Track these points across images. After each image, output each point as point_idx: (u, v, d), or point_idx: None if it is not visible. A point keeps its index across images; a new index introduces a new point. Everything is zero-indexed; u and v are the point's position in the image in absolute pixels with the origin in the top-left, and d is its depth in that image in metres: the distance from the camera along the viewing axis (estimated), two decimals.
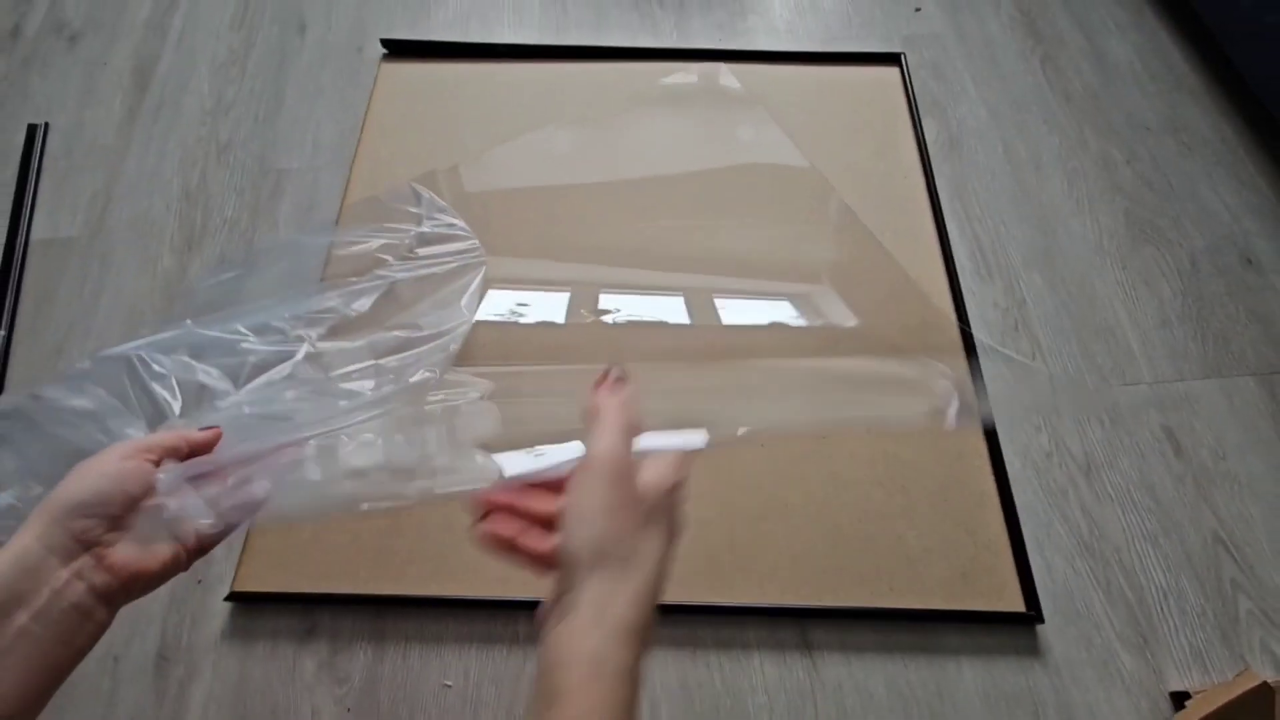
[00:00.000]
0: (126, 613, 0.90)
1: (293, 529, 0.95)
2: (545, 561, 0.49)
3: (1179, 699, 0.88)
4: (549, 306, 1.15)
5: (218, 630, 0.91)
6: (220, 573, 0.93)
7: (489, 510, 0.54)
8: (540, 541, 0.50)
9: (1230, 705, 0.83)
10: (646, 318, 1.13)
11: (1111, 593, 0.94)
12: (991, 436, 1.02)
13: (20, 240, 1.16)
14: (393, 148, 1.26)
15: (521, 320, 1.14)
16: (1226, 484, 1.01)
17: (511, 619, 0.91)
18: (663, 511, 0.48)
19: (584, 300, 1.15)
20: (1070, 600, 0.94)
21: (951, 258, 1.16)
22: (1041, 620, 0.91)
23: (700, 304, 1.13)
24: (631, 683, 0.42)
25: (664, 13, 1.47)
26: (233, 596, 0.91)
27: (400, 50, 1.39)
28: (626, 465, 0.47)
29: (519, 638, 0.90)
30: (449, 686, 0.88)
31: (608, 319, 1.13)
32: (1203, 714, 0.83)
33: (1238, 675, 0.89)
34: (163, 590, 0.91)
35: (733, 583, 0.92)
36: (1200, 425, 1.05)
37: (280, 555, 0.93)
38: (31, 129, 1.27)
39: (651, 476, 0.48)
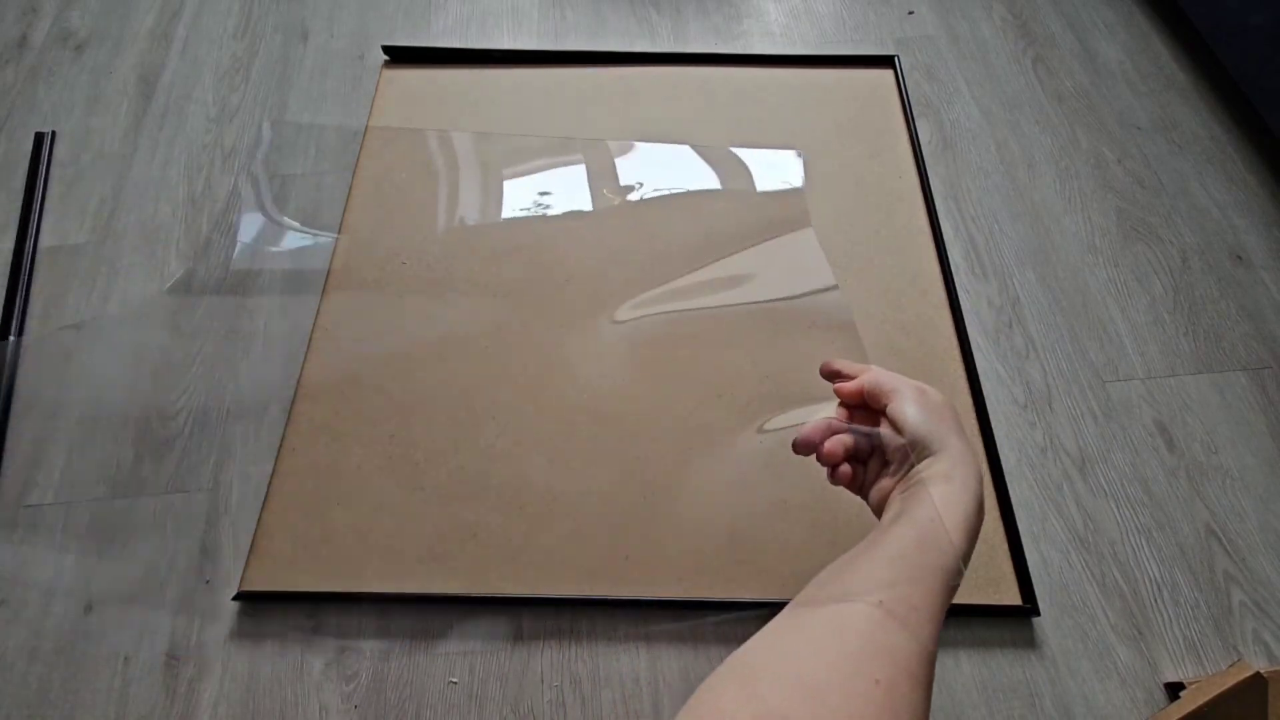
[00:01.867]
0: (136, 613, 0.92)
1: (299, 528, 0.96)
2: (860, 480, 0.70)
3: (1173, 689, 0.89)
4: (572, 191, 1.17)
5: (226, 629, 0.92)
6: (228, 573, 0.94)
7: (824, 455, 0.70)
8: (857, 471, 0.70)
9: (1224, 695, 0.83)
10: (670, 187, 1.17)
11: (1106, 586, 0.95)
12: (987, 433, 1.04)
13: (29, 247, 1.17)
14: (395, 153, 1.27)
15: (549, 212, 1.16)
16: (1219, 477, 1.02)
17: (515, 616, 0.93)
18: (956, 416, 0.67)
19: (602, 177, 1.19)
20: (1066, 593, 0.95)
21: (946, 257, 1.18)
22: (1038, 613, 0.92)
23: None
24: (967, 531, 0.57)
25: (661, 17, 1.49)
26: (241, 596, 0.92)
27: (401, 57, 1.40)
28: (922, 389, 0.67)
29: (522, 634, 0.91)
30: (454, 683, 0.89)
31: (633, 196, 1.15)
32: (1196, 704, 0.84)
33: (1231, 666, 0.90)
34: (171, 590, 0.94)
35: (734, 579, 0.93)
36: (1192, 420, 1.07)
37: (287, 555, 0.94)
38: (39, 137, 1.29)
39: (936, 394, 0.68)
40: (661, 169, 1.25)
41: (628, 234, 1.19)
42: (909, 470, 0.63)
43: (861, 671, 0.45)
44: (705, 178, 1.25)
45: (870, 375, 0.70)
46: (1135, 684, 0.90)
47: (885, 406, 0.67)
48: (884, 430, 0.66)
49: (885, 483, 0.66)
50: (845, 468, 0.69)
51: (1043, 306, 1.16)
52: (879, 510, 0.66)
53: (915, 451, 0.63)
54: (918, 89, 1.39)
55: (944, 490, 0.59)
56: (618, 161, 1.26)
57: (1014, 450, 1.04)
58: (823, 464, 0.70)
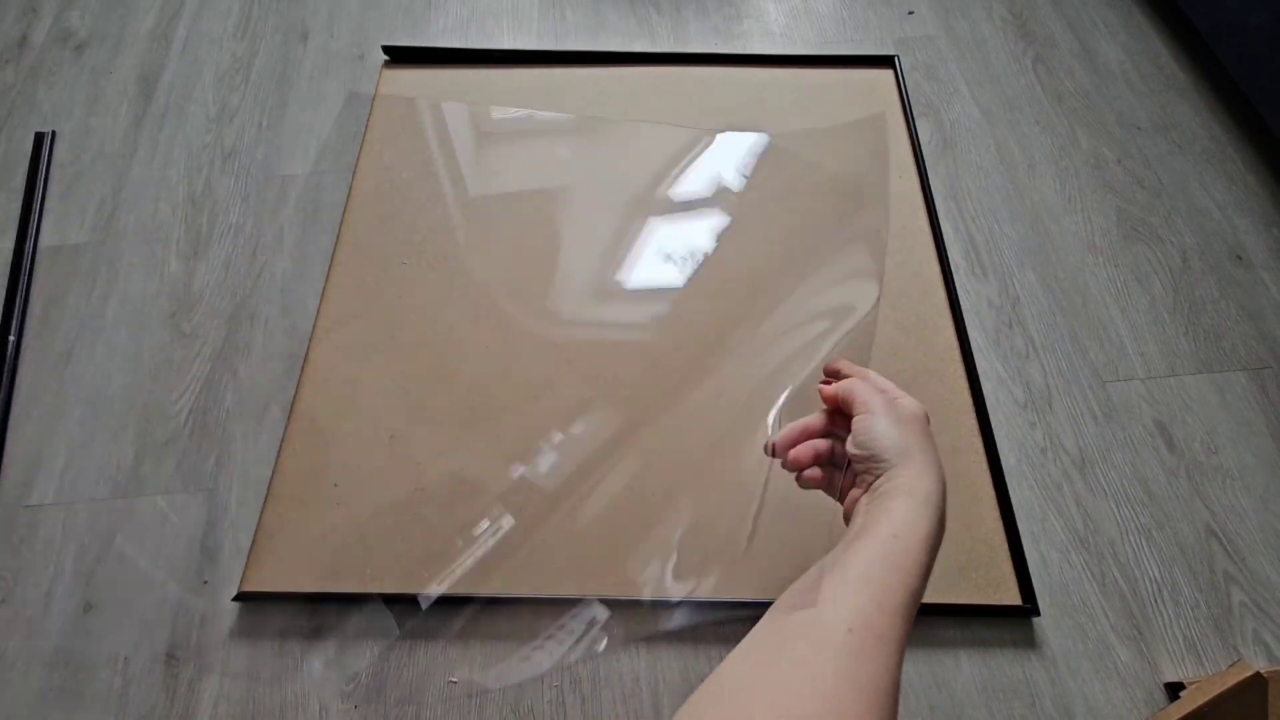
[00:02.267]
0: (136, 613, 0.92)
1: (300, 528, 0.96)
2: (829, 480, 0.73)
3: (1173, 690, 0.89)
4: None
5: (226, 630, 0.92)
6: (228, 573, 0.94)
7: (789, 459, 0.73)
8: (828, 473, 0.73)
9: (1224, 695, 0.83)
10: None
11: (1106, 586, 0.96)
12: (987, 433, 1.04)
13: (29, 246, 1.17)
14: (395, 153, 1.27)
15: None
16: (1219, 477, 1.02)
17: (515, 615, 0.92)
18: (925, 429, 0.66)
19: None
20: (1066, 593, 0.95)
21: (946, 257, 1.18)
22: (1038, 613, 0.92)
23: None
24: (929, 546, 0.57)
25: (661, 17, 1.49)
26: (240, 596, 0.92)
27: (401, 57, 1.40)
28: (893, 401, 0.67)
29: (522, 634, 0.91)
30: (454, 683, 0.89)
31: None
32: (1196, 704, 0.84)
33: (1231, 666, 0.91)
34: (171, 591, 0.94)
35: (735, 578, 0.93)
36: (1192, 420, 1.07)
37: (288, 556, 0.94)
38: (39, 137, 1.29)
39: (909, 406, 0.67)
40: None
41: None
42: (872, 483, 0.64)
43: (836, 709, 0.46)
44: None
45: (846, 383, 0.71)
46: (1135, 684, 0.90)
47: (853, 417, 0.68)
48: (850, 441, 0.67)
49: (855, 492, 0.67)
50: (812, 472, 0.72)
51: (1043, 307, 1.16)
52: (849, 519, 0.66)
53: (874, 465, 0.64)
54: (918, 89, 1.39)
55: (905, 505, 0.59)
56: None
57: (1014, 450, 1.04)
58: (786, 469, 0.73)
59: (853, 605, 0.51)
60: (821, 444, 0.72)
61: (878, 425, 0.65)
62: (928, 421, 0.68)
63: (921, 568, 0.56)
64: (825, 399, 0.73)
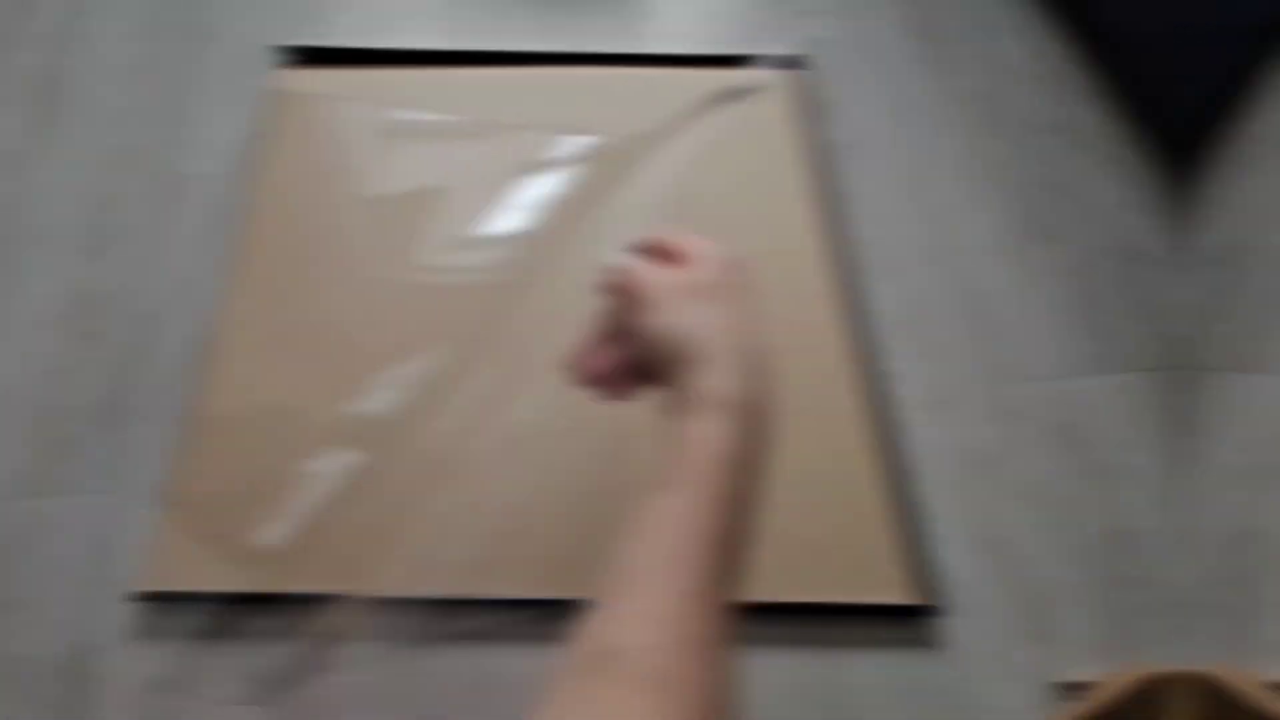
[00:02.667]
0: (34, 616, 0.90)
1: (205, 527, 0.94)
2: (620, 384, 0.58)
3: (1072, 690, 0.90)
4: None
5: (128, 631, 0.89)
6: (128, 574, 0.91)
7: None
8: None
9: (1122, 697, 0.84)
10: None
11: (1007, 586, 0.96)
12: (885, 433, 1.04)
13: None
14: (297, 153, 1.26)
15: None
16: (1118, 478, 1.04)
17: (427, 615, 0.91)
18: (720, 295, 0.52)
19: None
20: (968, 593, 0.95)
21: (846, 259, 1.19)
22: (938, 613, 0.93)
23: None
24: (734, 468, 0.45)
25: (563, 18, 1.51)
26: (142, 597, 0.89)
27: (305, 57, 1.39)
28: (673, 281, 0.52)
29: (433, 635, 0.90)
30: (368, 683, 0.87)
31: None
32: (1095, 705, 0.85)
33: (1130, 667, 0.92)
34: (70, 593, 0.91)
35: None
36: (1092, 421, 1.08)
37: (191, 555, 0.91)
38: None
39: (700, 271, 0.53)
40: None
41: None
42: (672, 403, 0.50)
43: None
44: None
45: (613, 272, 0.56)
46: (1034, 685, 0.91)
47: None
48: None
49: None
50: (623, 383, 0.58)
51: (942, 308, 1.17)
52: None
53: (666, 378, 0.51)
54: (818, 90, 1.40)
55: (699, 428, 0.46)
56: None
57: (913, 451, 1.04)
58: (582, 386, 0.60)
59: (640, 641, 0.38)
60: (616, 352, 0.57)
61: (652, 323, 0.51)
62: (736, 271, 0.55)
63: (724, 510, 0.43)
64: (607, 292, 0.58)
